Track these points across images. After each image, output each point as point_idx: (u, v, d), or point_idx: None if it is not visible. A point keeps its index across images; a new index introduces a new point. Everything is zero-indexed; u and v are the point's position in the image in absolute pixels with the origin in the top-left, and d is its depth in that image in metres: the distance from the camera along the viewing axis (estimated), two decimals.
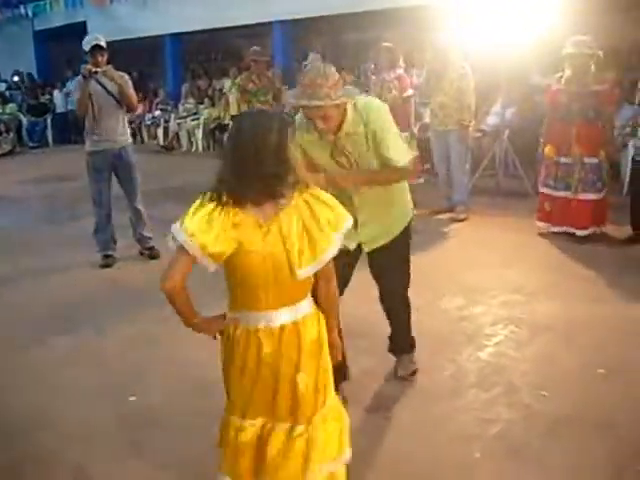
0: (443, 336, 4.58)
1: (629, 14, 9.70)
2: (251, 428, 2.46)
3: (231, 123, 2.89)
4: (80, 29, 17.73)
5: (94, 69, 6.10)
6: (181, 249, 2.24)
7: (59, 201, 9.84)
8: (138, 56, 17.79)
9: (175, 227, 2.25)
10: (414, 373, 4.03)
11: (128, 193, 6.60)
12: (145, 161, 13.24)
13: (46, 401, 3.94)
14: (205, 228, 2.22)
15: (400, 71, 7.85)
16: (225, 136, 13.23)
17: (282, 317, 2.38)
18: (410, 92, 7.86)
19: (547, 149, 6.51)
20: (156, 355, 4.47)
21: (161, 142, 14.90)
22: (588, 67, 6.20)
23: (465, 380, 3.98)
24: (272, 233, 2.28)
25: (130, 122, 15.72)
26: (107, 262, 6.46)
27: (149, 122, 15.63)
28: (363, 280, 3.82)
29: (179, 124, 14.72)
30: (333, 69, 3.18)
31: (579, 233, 6.43)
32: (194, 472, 3.16)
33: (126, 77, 6.44)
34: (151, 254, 6.58)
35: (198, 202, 2.28)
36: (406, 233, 3.70)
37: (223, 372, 2.51)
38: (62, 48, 19.39)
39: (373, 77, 8.17)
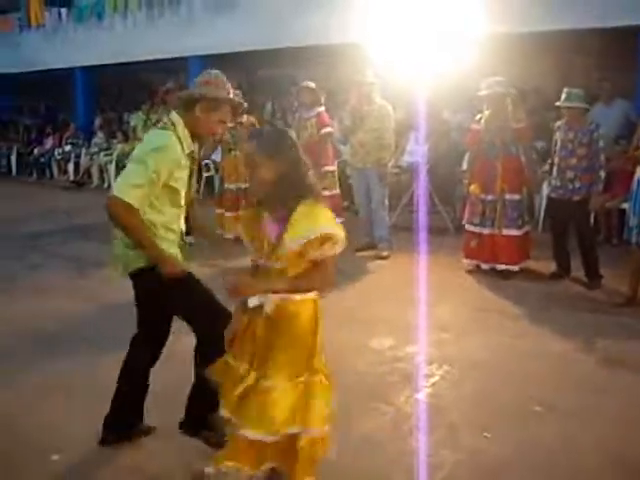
0: (378, 378, 4.50)
1: (534, 58, 10.11)
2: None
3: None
4: None
5: None
6: None
7: None
8: (47, 88, 17.25)
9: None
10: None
11: None
12: (54, 198, 12.91)
13: None
14: None
15: (321, 109, 7.87)
16: None
17: None
18: (329, 130, 7.88)
19: (472, 187, 6.64)
20: None
21: (71, 177, 14.43)
22: (505, 105, 6.46)
23: (406, 424, 3.89)
24: None
25: (40, 156, 15.44)
26: None
27: (59, 157, 15.13)
28: None
29: (91, 159, 14.31)
30: None
31: (504, 268, 6.55)
32: None
33: None
34: None
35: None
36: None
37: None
38: None
39: (296, 114, 8.19)
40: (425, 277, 6.71)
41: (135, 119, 12.82)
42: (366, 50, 8.68)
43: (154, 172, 3.13)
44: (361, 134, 7.37)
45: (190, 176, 3.41)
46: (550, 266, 6.70)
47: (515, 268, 6.59)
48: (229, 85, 3.34)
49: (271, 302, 2.74)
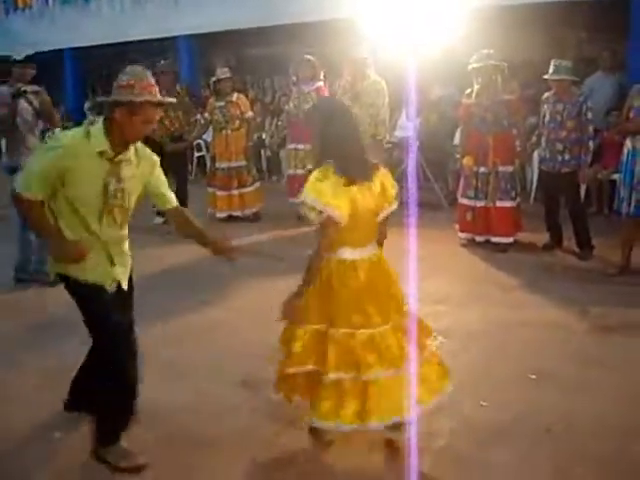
0: None
1: (524, 31, 10.08)
2: None
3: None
4: None
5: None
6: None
7: None
8: (36, 71, 17.07)
9: None
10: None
11: None
12: None
13: None
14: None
15: (320, 83, 7.87)
16: None
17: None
18: None
19: (466, 160, 6.66)
20: None
21: None
22: (495, 78, 6.47)
23: None
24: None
25: None
26: None
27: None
28: None
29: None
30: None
31: (499, 241, 6.60)
32: None
33: None
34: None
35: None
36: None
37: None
38: None
39: (294, 88, 8.17)
40: (419, 251, 6.69)
41: None
42: (358, 25, 8.65)
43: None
44: (356, 109, 7.35)
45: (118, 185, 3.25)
46: (543, 238, 6.76)
47: (509, 240, 6.64)
48: (149, 81, 3.20)
49: None
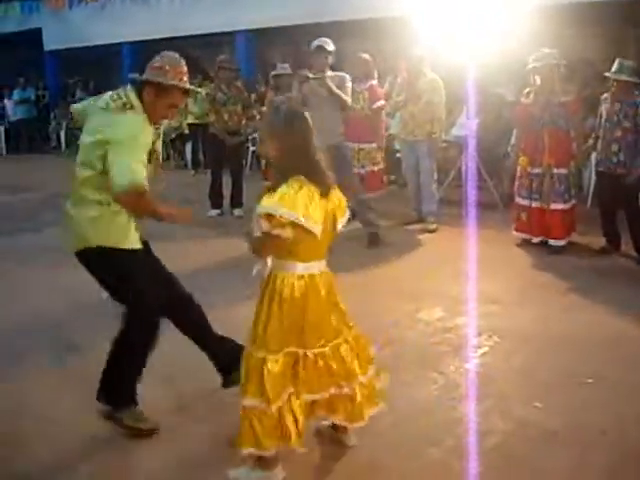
0: (427, 348, 4.56)
1: (582, 29, 9.93)
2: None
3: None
4: (35, 36, 17.46)
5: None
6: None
7: (18, 212, 9.56)
8: (95, 64, 17.50)
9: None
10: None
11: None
12: None
13: None
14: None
15: (373, 81, 7.86)
16: (187, 146, 13.12)
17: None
18: (381, 103, 7.86)
19: (521, 160, 6.60)
20: None
21: None
22: (554, 78, 6.36)
23: (456, 392, 3.95)
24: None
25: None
26: None
27: None
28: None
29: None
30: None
31: (554, 243, 6.53)
32: None
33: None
34: None
35: None
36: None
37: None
38: (14, 55, 19.00)
39: (348, 85, 8.16)
40: (473, 250, 6.73)
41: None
42: (414, 23, 8.63)
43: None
44: (411, 107, 7.37)
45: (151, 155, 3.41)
46: (599, 241, 6.65)
47: (562, 242, 6.54)
48: (182, 68, 3.35)
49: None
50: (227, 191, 8.48)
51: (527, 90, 6.61)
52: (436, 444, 3.41)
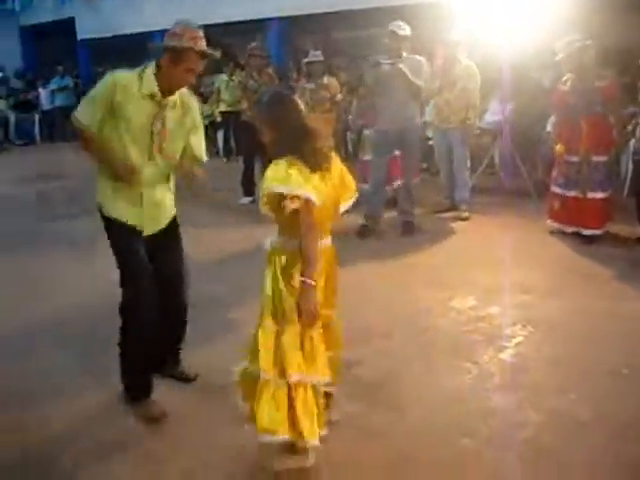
0: (460, 337, 4.52)
1: (621, 16, 9.71)
2: None
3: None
4: (68, 25, 17.62)
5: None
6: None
7: (52, 200, 9.68)
8: (127, 53, 17.57)
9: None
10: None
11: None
12: None
13: None
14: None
15: None
16: (218, 133, 13.15)
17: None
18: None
19: (558, 147, 6.46)
20: None
21: None
22: (584, 62, 6.21)
23: (489, 382, 3.92)
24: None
25: None
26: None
27: None
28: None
29: None
30: None
31: (589, 233, 6.40)
32: None
33: None
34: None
35: None
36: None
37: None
38: (49, 44, 19.21)
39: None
40: (507, 238, 6.69)
41: (218, 81, 13.02)
42: (448, 8, 8.52)
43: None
44: (446, 93, 7.28)
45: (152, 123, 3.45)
46: (635, 231, 6.50)
47: (599, 232, 6.41)
48: (196, 32, 3.36)
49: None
50: (259, 178, 8.47)
51: (566, 77, 6.47)
52: (468, 434, 3.38)
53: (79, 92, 17.04)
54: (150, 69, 3.40)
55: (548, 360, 4.18)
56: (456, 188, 7.63)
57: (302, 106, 3.05)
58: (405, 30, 6.57)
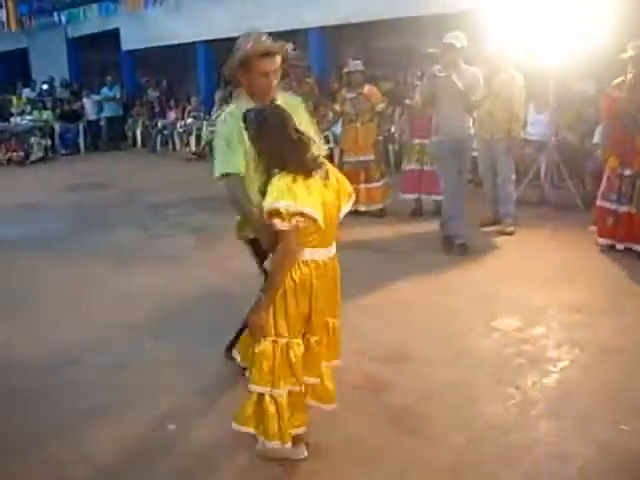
0: (503, 360, 4.30)
1: None
2: None
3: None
4: (113, 36, 17.86)
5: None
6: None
7: (95, 209, 9.68)
8: (170, 63, 17.73)
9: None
10: None
11: None
12: (177, 169, 13.29)
13: None
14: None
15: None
16: None
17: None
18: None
19: (610, 160, 6.16)
20: None
21: (193, 149, 14.76)
22: None
23: (534, 410, 3.69)
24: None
25: (163, 129, 15.94)
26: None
27: (181, 129, 15.55)
28: None
29: (212, 132, 14.58)
30: None
31: None
32: None
33: None
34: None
35: None
36: None
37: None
38: (94, 55, 19.47)
39: (418, 83, 7.92)
40: (554, 255, 6.41)
41: None
42: (490, 16, 8.26)
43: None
44: (489, 104, 7.04)
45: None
46: None
47: None
48: (248, 39, 3.33)
49: None
50: None
51: (618, 80, 6.13)
52: (511, 468, 3.18)
53: (123, 103, 17.27)
54: (236, 92, 3.48)
55: (598, 386, 3.94)
56: (500, 201, 7.38)
57: (289, 118, 3.01)
58: (462, 41, 6.39)
